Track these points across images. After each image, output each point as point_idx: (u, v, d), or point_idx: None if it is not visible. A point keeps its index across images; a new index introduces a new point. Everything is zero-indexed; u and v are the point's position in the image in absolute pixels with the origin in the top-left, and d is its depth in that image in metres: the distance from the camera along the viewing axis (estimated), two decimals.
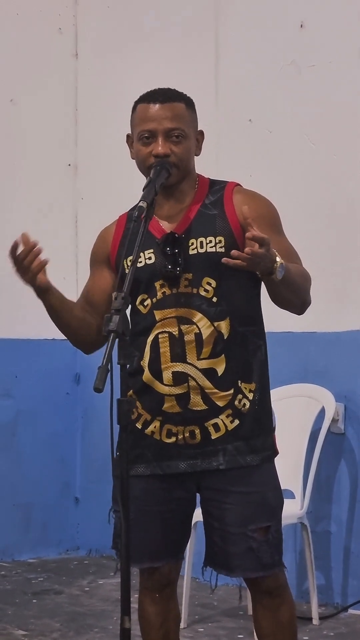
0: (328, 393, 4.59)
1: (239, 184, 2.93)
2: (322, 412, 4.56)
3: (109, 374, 2.43)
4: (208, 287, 2.81)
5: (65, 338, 2.98)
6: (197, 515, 2.96)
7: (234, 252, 2.61)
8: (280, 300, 2.80)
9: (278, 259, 2.64)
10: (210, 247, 2.81)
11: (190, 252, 2.81)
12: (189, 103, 2.86)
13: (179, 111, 2.82)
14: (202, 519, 2.91)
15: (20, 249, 2.72)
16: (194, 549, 4.28)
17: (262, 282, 2.82)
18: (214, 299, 2.81)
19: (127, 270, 2.72)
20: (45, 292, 2.81)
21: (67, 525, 5.86)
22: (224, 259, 2.64)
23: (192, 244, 2.82)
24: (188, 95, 2.88)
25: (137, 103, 2.87)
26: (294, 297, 2.82)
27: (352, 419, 4.67)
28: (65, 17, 5.96)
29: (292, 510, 4.34)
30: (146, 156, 2.82)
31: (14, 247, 2.72)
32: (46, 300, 2.83)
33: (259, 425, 2.86)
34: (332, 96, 4.80)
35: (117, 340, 2.50)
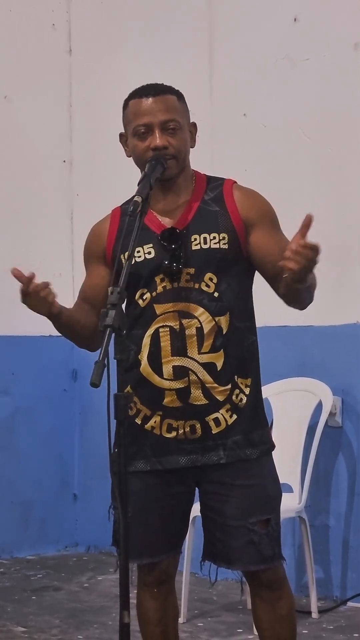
0: (325, 387, 4.58)
1: (236, 181, 2.93)
2: (319, 406, 4.56)
3: (106, 369, 2.43)
4: (210, 282, 2.81)
5: (62, 335, 2.98)
6: (196, 510, 2.96)
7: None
8: (294, 299, 2.79)
9: None
10: (214, 244, 2.82)
11: (193, 248, 2.82)
12: (179, 95, 2.88)
13: (171, 103, 2.83)
14: (200, 514, 2.91)
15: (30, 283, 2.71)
16: (192, 544, 4.27)
17: (270, 279, 2.82)
18: (215, 294, 2.81)
19: (124, 266, 2.73)
20: (58, 314, 2.81)
21: (66, 522, 5.86)
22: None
23: (195, 239, 2.82)
24: (177, 89, 2.89)
25: (127, 100, 2.88)
26: (308, 297, 2.80)
27: (350, 412, 4.67)
28: (59, 13, 5.96)
29: (291, 504, 4.33)
30: (144, 150, 2.82)
31: (27, 282, 2.71)
32: (57, 320, 2.84)
33: (255, 420, 2.86)
34: (326, 90, 4.79)
35: (113, 335, 2.50)
